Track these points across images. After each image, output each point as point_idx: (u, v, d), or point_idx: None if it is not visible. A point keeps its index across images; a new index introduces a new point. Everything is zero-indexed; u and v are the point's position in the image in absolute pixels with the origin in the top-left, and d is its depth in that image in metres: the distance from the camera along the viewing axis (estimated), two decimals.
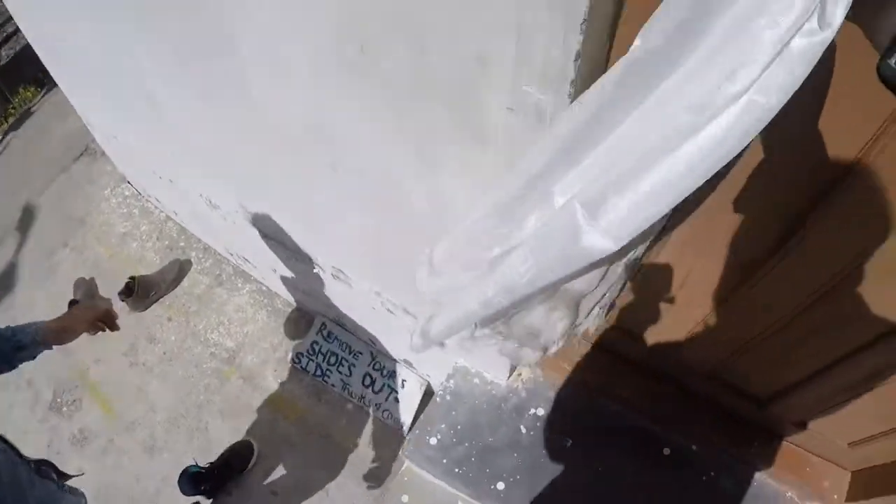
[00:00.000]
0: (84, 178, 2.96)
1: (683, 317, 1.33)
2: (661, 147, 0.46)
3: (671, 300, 1.28)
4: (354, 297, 1.78)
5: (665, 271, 1.15)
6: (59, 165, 3.04)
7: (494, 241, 0.64)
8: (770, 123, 0.43)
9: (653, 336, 1.48)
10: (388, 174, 1.00)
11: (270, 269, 2.15)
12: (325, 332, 2.17)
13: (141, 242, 2.70)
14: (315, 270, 1.75)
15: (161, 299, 2.53)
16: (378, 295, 1.64)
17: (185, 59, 1.20)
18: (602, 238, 0.50)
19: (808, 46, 0.39)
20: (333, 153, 1.08)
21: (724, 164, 0.45)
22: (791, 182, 0.82)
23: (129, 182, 2.83)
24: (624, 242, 0.50)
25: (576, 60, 0.62)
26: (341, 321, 2.13)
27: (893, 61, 0.42)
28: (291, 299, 2.33)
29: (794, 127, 0.68)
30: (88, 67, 1.71)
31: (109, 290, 2.37)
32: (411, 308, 1.58)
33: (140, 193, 2.80)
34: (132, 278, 2.44)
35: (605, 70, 0.55)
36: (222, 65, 1.08)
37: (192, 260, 2.58)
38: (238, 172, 1.57)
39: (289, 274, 2.03)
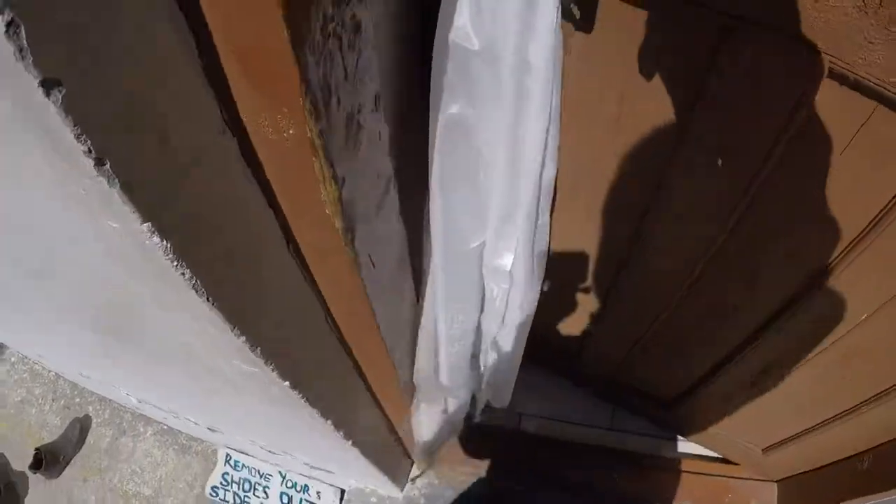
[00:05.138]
0: None
1: (577, 311, 1.40)
2: None
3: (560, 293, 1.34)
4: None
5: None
6: None
7: None
8: None
9: (554, 332, 1.54)
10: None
11: (171, 414, 2.19)
12: (231, 462, 2.23)
13: (39, 406, 2.66)
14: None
15: (72, 461, 2.51)
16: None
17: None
18: None
19: None
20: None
21: None
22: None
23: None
24: None
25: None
26: (244, 449, 2.19)
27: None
28: (194, 433, 2.37)
29: None
30: None
31: (20, 464, 2.42)
32: None
33: (26, 357, 2.76)
34: (38, 450, 2.41)
35: None
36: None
37: (91, 414, 2.57)
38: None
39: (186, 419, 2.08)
